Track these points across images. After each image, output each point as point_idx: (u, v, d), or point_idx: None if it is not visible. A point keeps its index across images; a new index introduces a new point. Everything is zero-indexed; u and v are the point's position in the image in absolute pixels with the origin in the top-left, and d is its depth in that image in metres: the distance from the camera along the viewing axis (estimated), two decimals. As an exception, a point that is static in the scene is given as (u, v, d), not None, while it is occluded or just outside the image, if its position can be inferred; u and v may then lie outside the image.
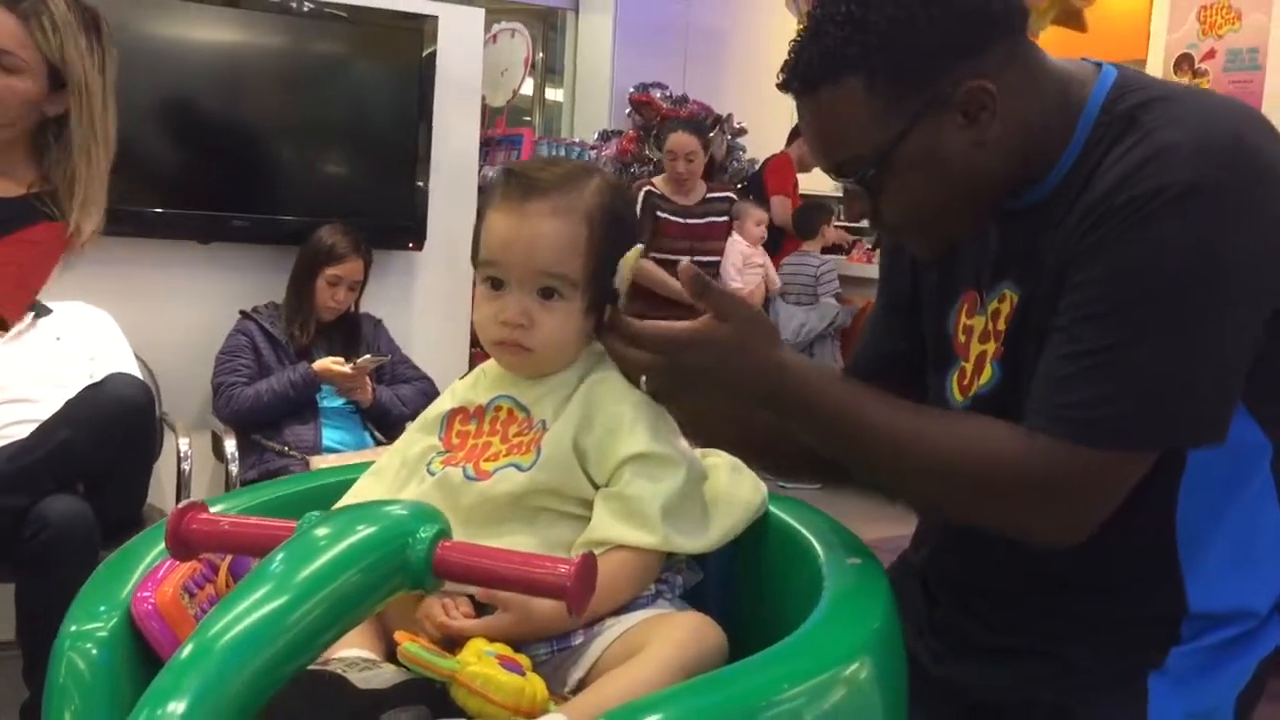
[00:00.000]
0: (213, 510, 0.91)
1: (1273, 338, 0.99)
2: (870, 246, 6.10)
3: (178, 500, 3.11)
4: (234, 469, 3.08)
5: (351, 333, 3.43)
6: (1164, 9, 6.05)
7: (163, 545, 1.03)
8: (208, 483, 3.39)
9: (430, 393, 3.46)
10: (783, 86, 1.08)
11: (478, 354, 4.44)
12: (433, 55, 3.73)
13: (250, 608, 0.74)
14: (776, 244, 5.60)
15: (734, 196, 4.91)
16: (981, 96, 1.01)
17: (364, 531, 0.81)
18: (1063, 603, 1.11)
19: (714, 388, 1.04)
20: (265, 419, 3.17)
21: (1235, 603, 1.08)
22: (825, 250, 5.66)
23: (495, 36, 5.52)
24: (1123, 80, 1.05)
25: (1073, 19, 4.75)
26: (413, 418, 3.77)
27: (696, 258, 4.14)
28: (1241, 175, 0.95)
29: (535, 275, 1.05)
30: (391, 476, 1.12)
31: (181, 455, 2.93)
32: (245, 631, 0.73)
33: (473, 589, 0.98)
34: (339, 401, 3.31)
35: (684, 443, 1.10)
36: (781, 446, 1.21)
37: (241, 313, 3.35)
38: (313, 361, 3.24)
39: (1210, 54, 5.83)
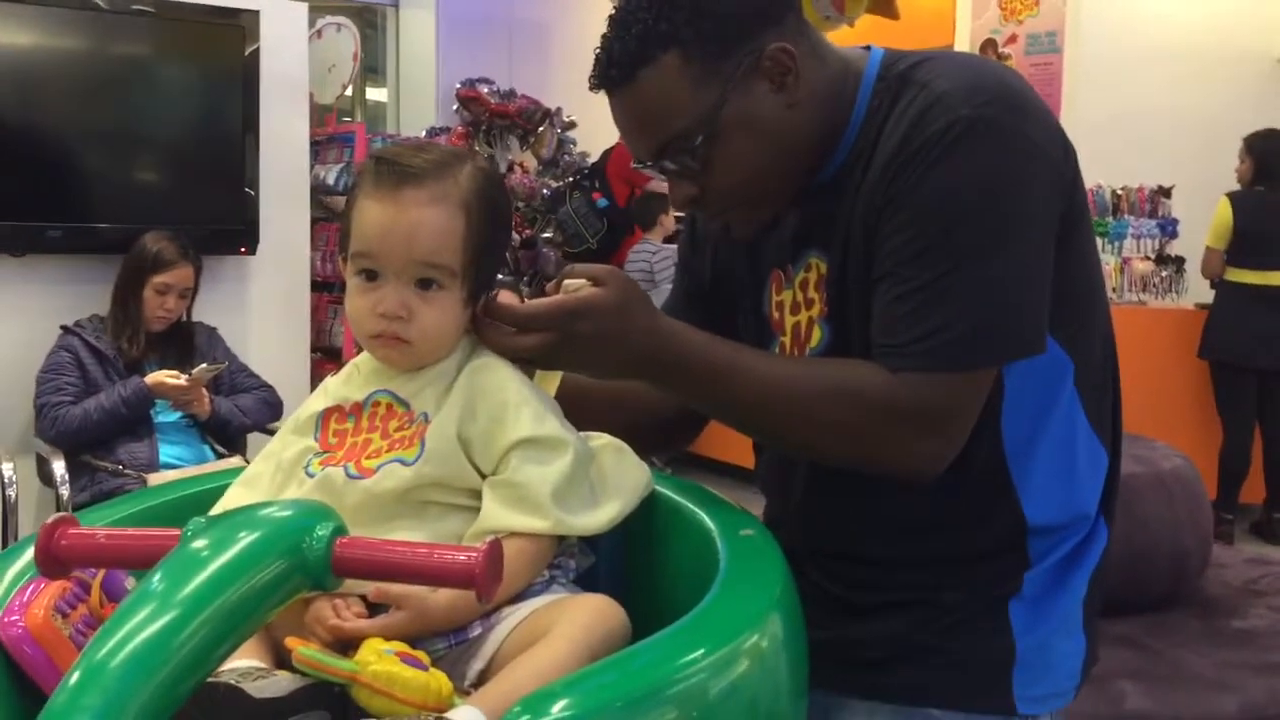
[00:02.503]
0: (82, 525, 0.85)
1: (1058, 264, 1.08)
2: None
3: (3, 529, 2.93)
4: (64, 492, 2.92)
5: (185, 343, 3.30)
6: (968, -4, 6.33)
7: (21, 566, 0.97)
8: (35, 508, 3.20)
9: (272, 400, 3.36)
10: (599, 82, 1.12)
11: (319, 360, 4.34)
12: (256, 53, 3.61)
13: (137, 627, 0.69)
14: (620, 235, 5.66)
15: None
16: (784, 59, 1.09)
17: (249, 537, 0.78)
18: (922, 547, 1.17)
19: (604, 355, 1.05)
20: (96, 438, 3.02)
21: (1067, 511, 1.18)
22: (667, 240, 5.73)
23: (320, 32, 5.38)
24: (889, 54, 1.16)
25: (886, 6, 4.91)
26: (255, 428, 3.65)
27: None
28: (1010, 110, 1.05)
29: (414, 266, 1.03)
30: (267, 483, 1.08)
31: (6, 481, 2.77)
32: (137, 651, 0.68)
33: (365, 589, 0.96)
34: (175, 415, 3.18)
35: (569, 424, 1.09)
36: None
37: (63, 328, 3.18)
38: (144, 375, 3.10)
39: (1012, 39, 6.12)
